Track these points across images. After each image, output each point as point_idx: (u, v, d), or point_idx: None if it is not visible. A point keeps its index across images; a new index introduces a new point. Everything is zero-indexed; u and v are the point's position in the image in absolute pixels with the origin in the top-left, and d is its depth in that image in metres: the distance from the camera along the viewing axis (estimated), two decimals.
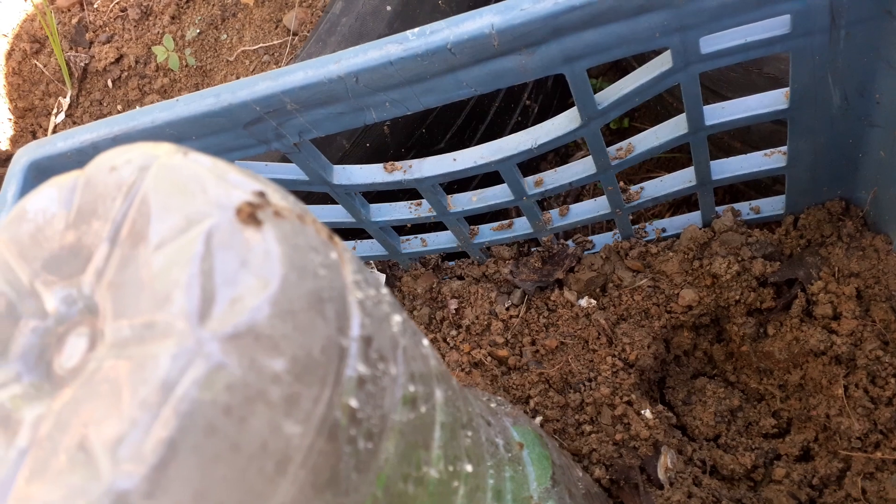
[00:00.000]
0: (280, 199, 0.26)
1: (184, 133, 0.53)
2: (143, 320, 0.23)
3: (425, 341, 0.33)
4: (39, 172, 0.58)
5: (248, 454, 0.21)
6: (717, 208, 0.65)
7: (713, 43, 0.46)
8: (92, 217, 0.27)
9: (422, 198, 0.65)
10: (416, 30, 0.46)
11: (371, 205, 0.67)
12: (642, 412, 0.58)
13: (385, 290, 0.31)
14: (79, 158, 0.57)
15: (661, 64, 0.48)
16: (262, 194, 0.25)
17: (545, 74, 0.47)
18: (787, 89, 0.51)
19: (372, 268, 0.78)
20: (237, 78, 1.07)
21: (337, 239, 0.28)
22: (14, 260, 0.28)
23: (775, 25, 0.45)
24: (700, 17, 0.43)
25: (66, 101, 1.26)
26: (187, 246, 0.23)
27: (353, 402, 0.24)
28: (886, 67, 0.47)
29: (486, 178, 0.81)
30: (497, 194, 0.64)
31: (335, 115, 0.51)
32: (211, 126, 0.52)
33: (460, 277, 0.74)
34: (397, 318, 0.30)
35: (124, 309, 0.24)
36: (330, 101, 0.50)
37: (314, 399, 0.23)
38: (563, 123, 0.54)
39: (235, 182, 0.25)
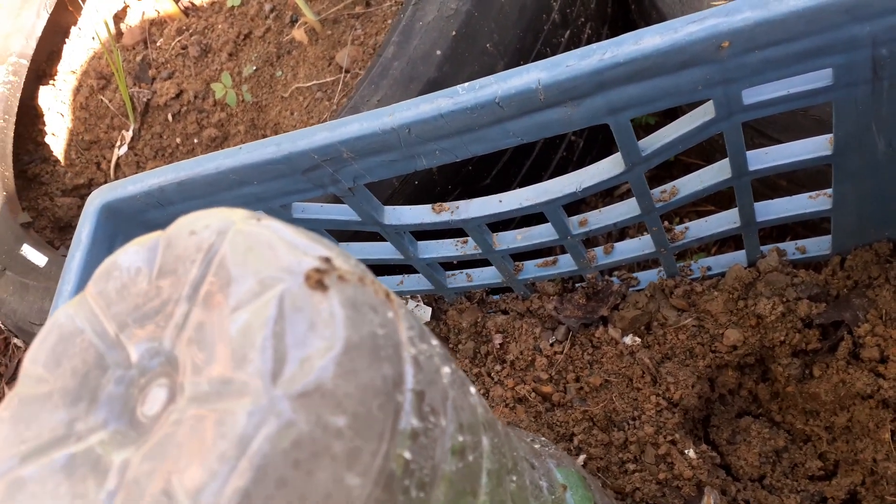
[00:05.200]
0: (343, 262, 0.28)
1: (246, 178, 0.56)
2: (220, 377, 0.25)
3: (472, 389, 0.35)
4: (111, 213, 0.62)
5: None
6: (763, 248, 0.65)
7: (756, 94, 0.47)
8: (172, 276, 0.29)
9: (468, 236, 0.67)
10: (466, 85, 0.48)
11: (419, 242, 0.70)
12: (686, 452, 0.59)
13: (435, 342, 0.33)
14: (147, 201, 0.60)
15: (703, 114, 0.49)
16: (327, 260, 0.27)
17: (590, 125, 0.49)
18: (831, 135, 0.52)
19: (418, 301, 0.80)
20: (291, 113, 1.11)
21: (393, 296, 0.30)
22: (102, 313, 0.31)
23: (818, 78, 0.46)
24: (743, 71, 0.45)
25: (128, 135, 1.32)
26: (262, 309, 0.26)
27: (407, 454, 0.26)
28: None
29: (528, 215, 0.83)
30: (542, 233, 0.65)
31: (388, 162, 0.54)
32: (271, 172, 0.55)
33: (505, 312, 0.76)
34: (447, 370, 0.31)
35: (203, 365, 0.26)
36: (383, 150, 0.52)
37: (373, 452, 0.25)
38: (607, 168, 0.55)
39: (304, 248, 0.27)
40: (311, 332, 0.25)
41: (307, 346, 0.25)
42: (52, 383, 0.30)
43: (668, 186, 0.58)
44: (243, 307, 0.26)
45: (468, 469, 0.30)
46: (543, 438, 0.50)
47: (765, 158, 0.54)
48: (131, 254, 0.31)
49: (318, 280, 0.26)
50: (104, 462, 0.27)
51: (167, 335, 0.28)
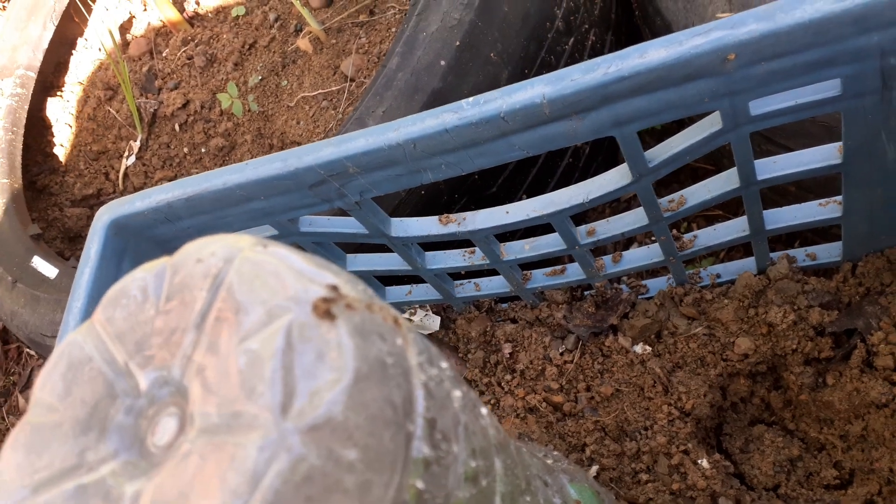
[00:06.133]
0: (351, 289, 0.28)
1: (253, 194, 0.56)
2: (230, 409, 0.25)
3: (484, 411, 0.35)
4: (119, 229, 0.62)
5: None
6: (773, 255, 0.65)
7: (763, 105, 0.47)
8: (180, 304, 0.29)
9: (475, 246, 0.67)
10: (471, 99, 0.48)
11: (426, 253, 0.70)
12: (699, 462, 0.58)
13: (445, 365, 0.32)
14: (154, 216, 0.61)
15: (710, 125, 0.49)
16: (335, 288, 0.27)
17: (595, 137, 0.49)
18: (841, 144, 0.51)
19: (427, 311, 0.80)
20: (297, 122, 1.12)
21: (401, 320, 0.30)
22: (111, 341, 0.31)
23: (826, 88, 0.46)
24: (749, 83, 0.44)
25: (136, 145, 1.33)
26: (270, 340, 0.25)
27: (420, 484, 0.26)
28: None
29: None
30: (549, 243, 0.65)
31: (393, 176, 0.54)
32: (278, 187, 0.55)
33: (514, 321, 0.76)
34: (458, 394, 0.31)
35: (212, 396, 0.26)
36: (389, 164, 0.52)
37: (385, 485, 0.25)
38: (614, 179, 0.55)
39: (311, 276, 0.27)
40: (319, 363, 0.25)
41: (316, 377, 0.25)
42: (62, 412, 0.30)
43: (675, 196, 0.58)
44: (251, 337, 0.26)
45: (481, 494, 0.30)
46: (556, 453, 0.50)
47: (773, 167, 0.54)
48: (138, 280, 0.31)
49: (325, 310, 0.26)
50: (115, 493, 0.27)
51: (176, 364, 0.28)
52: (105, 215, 0.62)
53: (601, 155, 0.93)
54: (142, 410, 0.29)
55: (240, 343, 0.26)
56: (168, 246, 0.64)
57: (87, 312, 0.59)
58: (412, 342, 0.30)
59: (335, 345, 0.25)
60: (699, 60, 0.43)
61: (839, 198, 0.57)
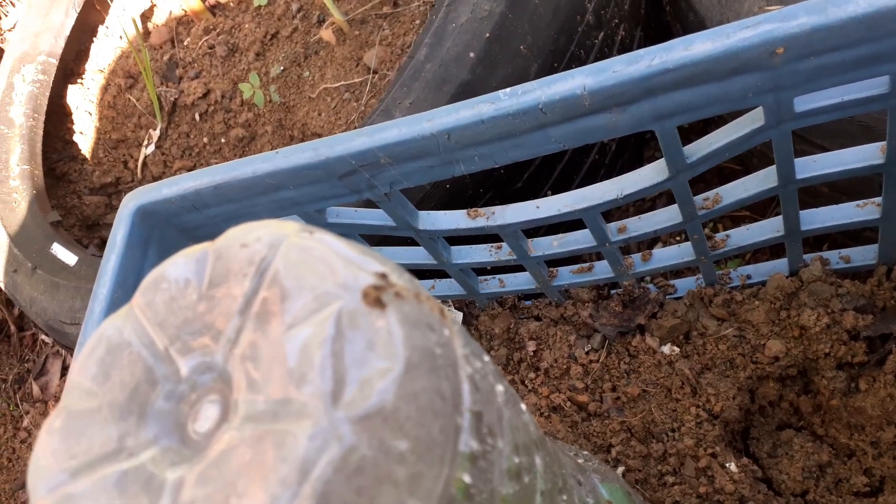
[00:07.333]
0: (398, 278, 0.27)
1: (282, 182, 0.56)
2: (277, 397, 0.25)
3: (524, 406, 0.34)
4: (146, 216, 0.61)
5: None
6: (805, 256, 0.64)
7: (808, 102, 0.46)
8: (223, 290, 0.29)
9: (502, 241, 0.66)
10: (508, 90, 0.48)
11: (452, 247, 0.69)
12: (727, 465, 0.57)
13: (487, 359, 0.32)
14: (182, 204, 0.60)
15: (752, 121, 0.48)
16: (384, 276, 0.27)
17: (635, 131, 0.48)
18: (884, 143, 0.50)
19: (450, 306, 0.79)
20: (319, 114, 1.11)
21: (447, 312, 0.29)
22: (150, 326, 0.30)
23: (873, 85, 0.45)
24: (795, 79, 0.43)
25: (156, 134, 1.33)
26: (319, 327, 0.25)
27: (467, 478, 0.26)
28: None
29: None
30: (579, 239, 0.64)
31: (425, 168, 0.53)
32: (308, 177, 0.55)
33: (537, 318, 0.75)
34: (500, 389, 0.31)
35: (258, 383, 0.26)
36: (421, 155, 0.51)
37: (434, 477, 0.24)
38: (650, 175, 0.54)
39: (359, 263, 0.27)
40: (370, 352, 0.24)
41: (367, 366, 0.24)
42: (101, 397, 0.30)
43: (711, 194, 0.57)
44: (299, 324, 0.25)
45: (523, 491, 0.30)
46: (586, 452, 0.49)
47: (813, 167, 0.53)
48: (180, 265, 0.31)
49: (375, 297, 0.25)
50: (157, 480, 0.26)
51: (219, 350, 0.28)
52: (131, 202, 0.62)
53: (627, 152, 0.92)
54: (183, 396, 0.28)
55: (287, 330, 0.26)
56: (194, 234, 0.64)
57: (113, 299, 0.59)
58: (458, 334, 0.29)
59: (385, 333, 0.25)
60: (747, 54, 0.42)
61: (878, 199, 0.56)
